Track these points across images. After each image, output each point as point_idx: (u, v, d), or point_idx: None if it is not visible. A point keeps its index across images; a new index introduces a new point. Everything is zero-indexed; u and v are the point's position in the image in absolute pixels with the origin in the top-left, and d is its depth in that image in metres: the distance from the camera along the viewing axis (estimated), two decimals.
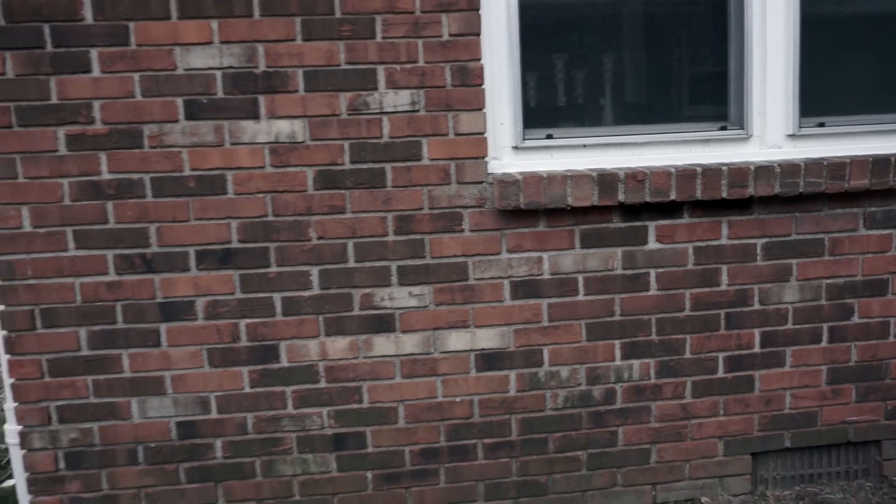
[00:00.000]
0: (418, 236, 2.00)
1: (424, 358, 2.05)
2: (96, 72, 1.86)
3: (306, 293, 1.99)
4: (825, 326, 2.20)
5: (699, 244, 2.10)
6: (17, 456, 2.05)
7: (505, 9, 1.99)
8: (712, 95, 2.19)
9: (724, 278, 2.13)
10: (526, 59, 2.05)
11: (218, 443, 2.04)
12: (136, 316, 1.96)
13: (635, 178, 1.98)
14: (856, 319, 2.20)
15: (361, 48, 1.91)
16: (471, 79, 1.95)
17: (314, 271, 1.99)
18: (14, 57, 1.83)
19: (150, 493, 2.04)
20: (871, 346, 2.22)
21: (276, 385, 2.03)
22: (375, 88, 1.93)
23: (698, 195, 2.01)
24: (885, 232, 2.17)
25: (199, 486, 2.05)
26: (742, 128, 2.15)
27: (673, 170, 1.99)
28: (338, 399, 2.05)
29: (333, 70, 1.91)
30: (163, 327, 1.98)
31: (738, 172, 2.01)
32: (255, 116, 1.91)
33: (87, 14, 1.83)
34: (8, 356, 1.95)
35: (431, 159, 1.97)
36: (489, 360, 2.08)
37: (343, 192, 1.96)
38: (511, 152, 2.07)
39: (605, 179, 1.97)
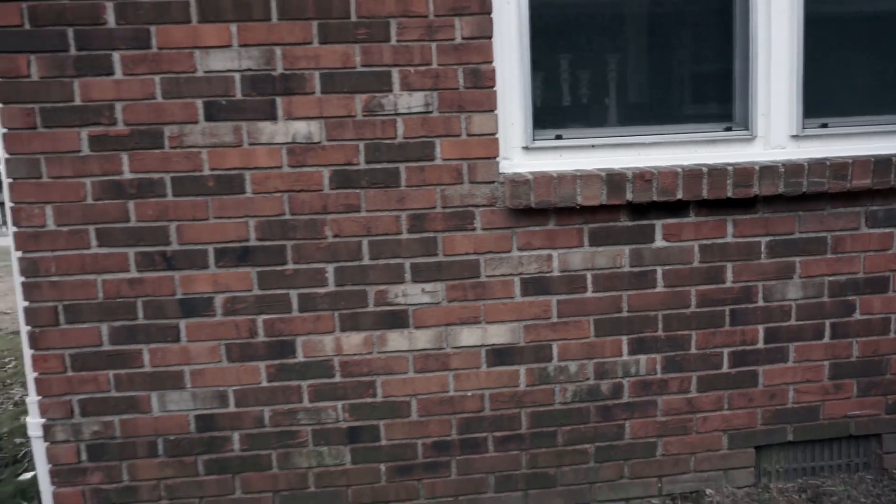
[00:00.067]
0: (431, 234, 2.05)
1: (437, 353, 2.11)
2: (118, 74, 1.91)
3: (322, 290, 2.04)
4: (827, 323, 2.24)
5: (705, 242, 2.15)
6: (39, 448, 2.10)
7: (516, 12, 2.04)
8: (717, 96, 2.24)
9: (729, 276, 2.18)
10: (535, 61, 2.10)
11: (236, 436, 2.09)
12: (156, 312, 2.01)
13: (643, 177, 2.02)
14: (857, 316, 2.25)
15: (376, 51, 1.96)
16: (483, 81, 2.00)
17: (330, 268, 2.04)
18: (39, 59, 1.88)
19: (170, 485, 2.09)
20: (873, 342, 2.27)
21: (293, 379, 2.08)
22: (390, 90, 1.98)
23: (704, 194, 2.05)
24: (887, 230, 2.22)
25: (217, 478, 2.10)
26: (747, 128, 2.19)
27: (680, 170, 2.04)
28: (352, 393, 2.10)
29: (349, 72, 1.96)
30: (182, 323, 2.03)
31: (744, 172, 2.06)
32: (272, 117, 1.96)
33: (110, 18, 1.88)
34: (32, 351, 2.00)
35: (444, 159, 2.02)
36: (500, 355, 2.13)
37: (358, 191, 2.01)
38: (521, 152, 2.12)
39: (614, 179, 2.02)
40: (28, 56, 1.87)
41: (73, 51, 1.89)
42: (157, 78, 1.92)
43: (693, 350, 2.20)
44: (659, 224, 2.12)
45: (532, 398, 2.16)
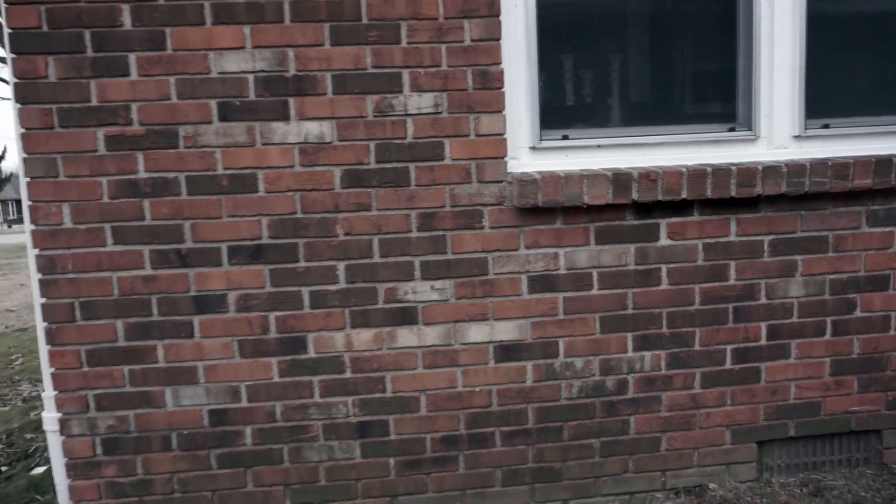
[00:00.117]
0: (440, 233, 2.09)
1: (445, 349, 2.14)
2: (134, 75, 1.94)
3: (333, 287, 2.08)
4: (829, 320, 2.28)
5: (709, 241, 2.19)
6: (55, 442, 2.13)
7: (523, 14, 2.08)
8: (721, 97, 2.27)
9: (733, 273, 2.21)
10: (542, 62, 2.14)
11: (248, 430, 2.13)
12: (170, 308, 2.05)
13: (648, 177, 2.06)
14: (858, 313, 2.29)
15: (387, 53, 1.99)
16: (491, 82, 2.04)
17: (341, 266, 2.07)
18: (56, 61, 1.92)
19: (183, 478, 2.13)
20: (873, 339, 2.31)
21: (304, 375, 2.12)
22: (400, 91, 2.01)
23: (708, 194, 2.09)
24: (887, 229, 2.26)
25: (230, 472, 2.14)
26: (750, 129, 2.23)
27: (684, 169, 2.08)
28: (362, 388, 2.14)
29: (360, 74, 2.00)
30: (196, 319, 2.06)
31: (747, 172, 2.09)
32: (285, 118, 2.00)
33: (126, 20, 1.92)
34: (49, 347, 2.04)
35: (453, 159, 2.06)
36: (507, 351, 2.17)
37: (369, 190, 2.05)
38: (529, 152, 2.15)
39: (620, 179, 2.06)
40: (46, 57, 1.91)
41: (89, 52, 1.92)
42: (172, 79, 1.96)
43: (697, 347, 2.23)
44: (664, 223, 2.16)
45: (539, 394, 2.20)
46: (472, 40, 2.01)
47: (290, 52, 1.97)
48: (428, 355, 2.14)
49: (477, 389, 2.17)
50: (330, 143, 2.02)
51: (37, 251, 2.00)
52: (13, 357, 5.10)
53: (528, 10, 2.08)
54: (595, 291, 2.17)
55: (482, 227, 2.10)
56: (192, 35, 1.94)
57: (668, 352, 2.23)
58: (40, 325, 2.07)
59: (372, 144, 2.03)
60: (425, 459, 2.19)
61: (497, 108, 2.05)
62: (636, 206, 2.13)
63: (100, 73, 1.93)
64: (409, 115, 2.03)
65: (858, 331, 2.30)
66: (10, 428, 3.45)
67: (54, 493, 2.51)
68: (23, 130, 1.94)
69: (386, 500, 2.19)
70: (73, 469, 2.10)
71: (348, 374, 2.13)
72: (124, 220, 2.00)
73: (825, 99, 2.27)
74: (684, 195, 2.08)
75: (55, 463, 2.17)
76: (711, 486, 2.30)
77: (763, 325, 2.25)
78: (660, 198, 2.08)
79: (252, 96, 1.98)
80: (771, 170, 2.10)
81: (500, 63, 2.04)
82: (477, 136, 2.06)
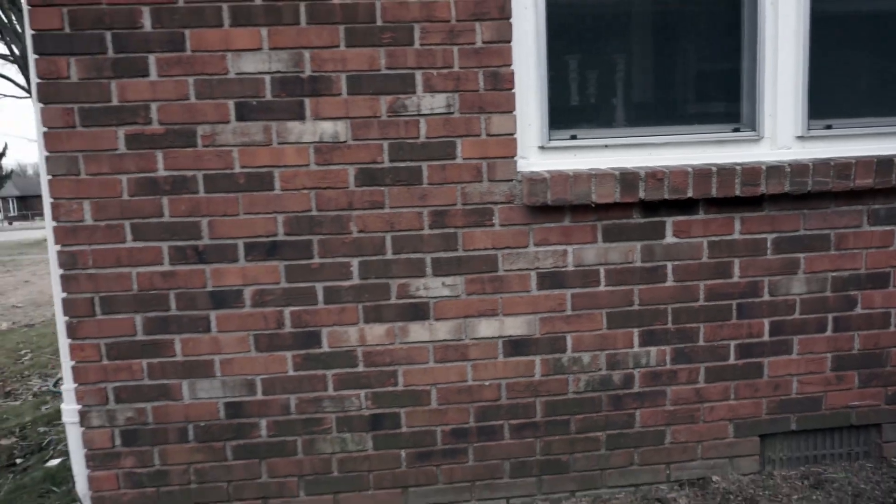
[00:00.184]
0: (452, 230, 2.13)
1: (456, 344, 2.19)
2: (154, 76, 1.99)
3: (347, 283, 2.13)
4: (830, 316, 2.33)
5: (713, 239, 2.24)
6: (74, 433, 2.19)
7: (533, 17, 2.13)
8: (726, 98, 2.32)
9: (737, 271, 2.26)
10: (551, 64, 2.19)
11: (263, 422, 2.18)
12: (188, 303, 2.10)
13: (655, 176, 2.11)
14: (859, 310, 2.34)
15: (401, 54, 2.04)
16: (502, 83, 2.09)
17: (354, 262, 2.12)
18: (78, 62, 1.96)
19: (199, 469, 2.18)
20: (873, 336, 2.36)
21: (318, 369, 2.17)
22: (413, 92, 2.06)
23: (713, 193, 2.14)
24: (888, 228, 2.31)
25: (245, 463, 2.19)
26: (754, 129, 2.28)
27: (690, 169, 2.12)
28: (375, 382, 2.19)
29: (374, 75, 2.04)
30: (213, 314, 2.11)
31: (751, 172, 2.14)
32: (300, 118, 2.05)
33: (146, 22, 1.97)
34: (69, 340, 2.09)
35: (465, 158, 2.11)
36: (516, 346, 2.22)
37: (382, 188, 2.10)
38: (538, 152, 2.20)
39: (627, 178, 2.10)
40: (68, 58, 1.96)
41: (110, 53, 1.97)
42: (190, 79, 2.00)
43: (701, 342, 2.29)
44: (669, 221, 2.21)
45: (546, 388, 2.25)
46: (484, 42, 2.06)
47: (306, 54, 2.02)
48: (439, 350, 2.19)
49: (486, 383, 2.23)
50: (344, 142, 2.07)
51: (58, 247, 2.05)
52: (22, 352, 5.15)
53: (539, 12, 2.12)
54: (602, 288, 2.22)
55: (492, 225, 2.15)
56: (210, 36, 1.99)
57: (673, 347, 2.28)
58: (61, 320, 2.12)
59: (385, 144, 2.08)
60: (436, 451, 2.24)
61: (507, 108, 2.10)
62: (643, 204, 2.18)
63: (120, 73, 1.98)
64: (421, 115, 2.07)
65: (859, 327, 2.35)
66: (22, 422, 3.51)
67: (72, 483, 2.56)
68: (45, 129, 1.99)
69: (397, 491, 2.24)
70: (92, 459, 2.15)
71: (361, 368, 2.18)
72: (143, 216, 2.05)
73: (828, 100, 2.32)
74: (690, 194, 2.13)
75: (74, 454, 2.23)
76: (715, 478, 2.35)
77: (766, 322, 2.30)
78: (666, 197, 2.13)
79: (269, 96, 2.03)
80: (774, 170, 2.15)
81: (510, 64, 2.08)
82: (488, 135, 2.11)
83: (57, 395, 3.98)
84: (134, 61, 1.98)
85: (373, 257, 2.13)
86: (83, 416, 2.13)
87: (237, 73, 2.01)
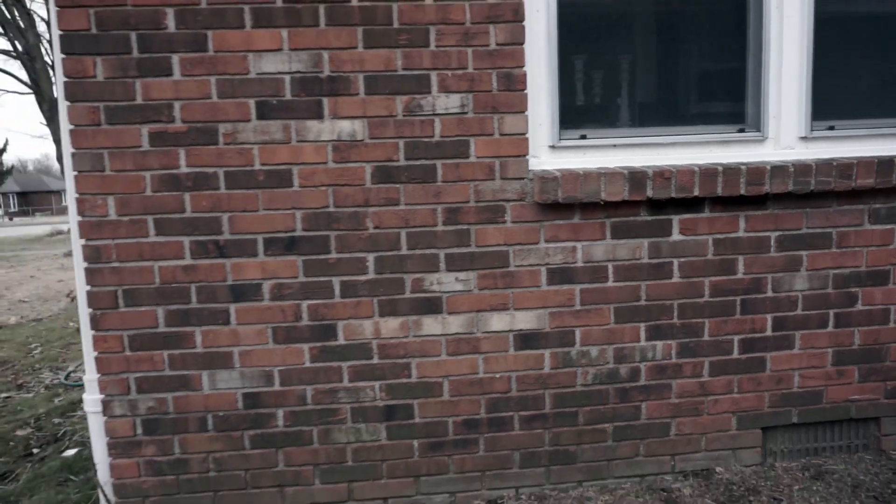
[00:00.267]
0: (465, 226, 2.20)
1: (468, 337, 2.26)
2: (177, 75, 2.05)
3: (363, 277, 2.19)
4: (831, 312, 2.40)
5: (718, 236, 2.30)
6: (96, 422, 2.25)
7: (545, 20, 2.18)
8: (731, 100, 2.38)
9: (741, 267, 2.33)
10: (562, 65, 2.25)
11: (280, 412, 2.24)
12: (208, 297, 2.16)
13: (662, 175, 2.17)
14: (859, 306, 2.40)
15: (416, 55, 2.10)
16: (515, 84, 2.15)
17: (370, 258, 2.19)
18: (104, 61, 2.02)
19: (218, 458, 2.25)
20: (873, 331, 2.43)
21: (334, 361, 2.23)
22: (429, 92, 2.12)
23: (719, 192, 2.20)
24: (888, 227, 2.37)
25: (262, 452, 2.25)
26: (758, 130, 2.34)
27: (696, 168, 2.19)
28: (389, 374, 2.25)
29: (391, 75, 2.10)
30: (232, 307, 2.18)
31: (756, 171, 2.20)
32: (319, 117, 2.11)
33: (170, 23, 2.03)
34: (93, 332, 2.15)
35: (478, 157, 2.17)
36: (526, 339, 2.28)
37: (398, 185, 2.16)
38: (548, 151, 2.26)
39: (636, 177, 2.17)
40: (94, 58, 2.02)
41: (135, 53, 2.03)
42: (212, 79, 2.06)
43: (706, 337, 2.35)
44: (676, 219, 2.27)
45: (555, 380, 2.31)
46: (498, 44, 2.12)
47: (325, 54, 2.08)
48: (451, 343, 2.25)
49: (497, 376, 2.29)
50: (361, 140, 2.13)
51: (83, 241, 2.11)
52: (32, 346, 5.21)
53: (550, 15, 2.18)
54: (610, 283, 2.28)
55: (504, 222, 2.21)
56: (232, 37, 2.05)
57: (678, 341, 2.34)
58: (84, 312, 2.18)
59: (401, 142, 2.14)
60: (447, 442, 2.30)
61: (520, 108, 2.16)
62: (650, 202, 2.24)
63: (145, 72, 2.04)
64: (436, 114, 2.13)
65: (859, 323, 2.41)
66: (37, 413, 3.57)
67: (90, 471, 2.63)
68: (71, 127, 2.05)
69: (409, 480, 2.31)
70: (114, 448, 2.21)
71: (376, 360, 2.24)
72: (166, 212, 2.11)
73: (831, 101, 2.38)
74: (696, 193, 2.19)
75: (96, 442, 2.29)
76: (718, 469, 2.41)
77: (769, 317, 2.37)
78: (673, 195, 2.19)
79: (288, 96, 2.09)
80: (778, 169, 2.21)
81: (523, 66, 2.14)
82: (500, 135, 2.17)
83: (68, 388, 4.05)
84: (158, 61, 2.04)
85: (388, 252, 2.19)
86: (106, 406, 2.19)
87: (258, 73, 2.07)
